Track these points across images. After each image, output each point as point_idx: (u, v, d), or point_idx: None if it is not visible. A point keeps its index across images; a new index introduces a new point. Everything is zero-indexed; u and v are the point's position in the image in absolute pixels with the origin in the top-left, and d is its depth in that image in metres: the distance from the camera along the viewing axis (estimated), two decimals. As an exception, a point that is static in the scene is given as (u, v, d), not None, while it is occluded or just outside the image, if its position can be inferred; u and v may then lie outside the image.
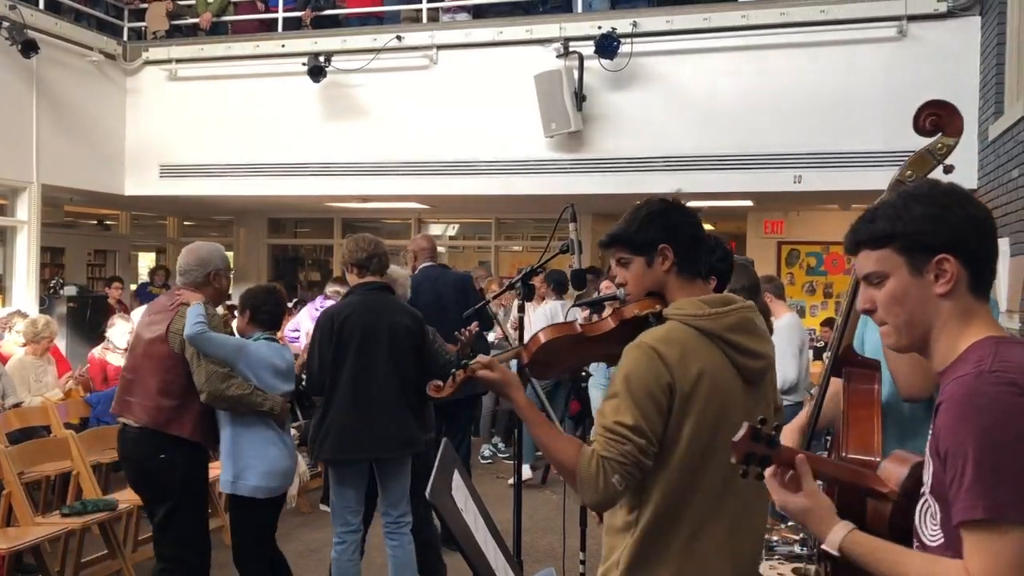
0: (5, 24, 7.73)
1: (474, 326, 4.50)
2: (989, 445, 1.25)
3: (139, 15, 9.58)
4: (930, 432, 1.39)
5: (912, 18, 7.06)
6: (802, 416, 2.37)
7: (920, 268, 1.41)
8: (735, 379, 1.95)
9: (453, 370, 2.12)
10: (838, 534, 1.43)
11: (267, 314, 3.90)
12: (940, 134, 2.10)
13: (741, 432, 1.46)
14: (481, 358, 2.07)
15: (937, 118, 2.09)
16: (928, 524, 1.39)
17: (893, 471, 1.56)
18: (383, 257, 4.14)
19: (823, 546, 1.45)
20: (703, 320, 1.93)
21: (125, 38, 9.50)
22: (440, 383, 2.15)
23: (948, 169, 2.13)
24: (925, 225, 1.41)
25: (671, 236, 2.01)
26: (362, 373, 3.96)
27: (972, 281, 1.41)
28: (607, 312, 2.14)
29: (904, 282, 1.43)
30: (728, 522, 1.93)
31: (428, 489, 1.64)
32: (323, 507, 6.47)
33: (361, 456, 4.02)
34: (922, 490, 1.42)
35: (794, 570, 2.67)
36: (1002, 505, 1.23)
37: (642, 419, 1.85)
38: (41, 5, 8.44)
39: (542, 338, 2.10)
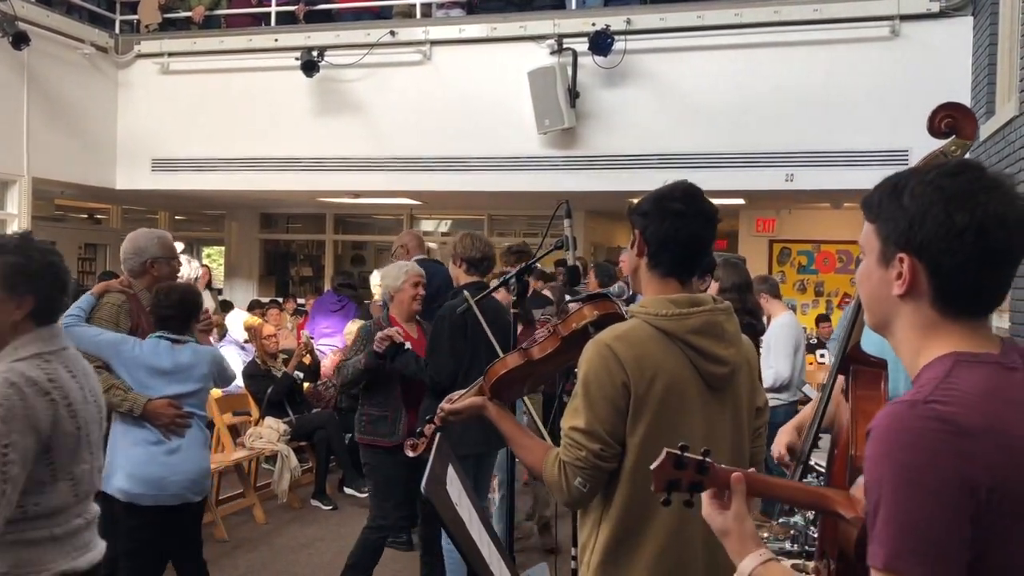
0: (-4, 16, 7.69)
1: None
2: (903, 488, 1.11)
3: (131, 8, 9.52)
4: None
5: (904, 17, 7.09)
6: (804, 413, 2.38)
7: (887, 259, 1.27)
8: (696, 383, 1.90)
9: (420, 428, 2.24)
10: (748, 564, 1.35)
11: (159, 316, 3.70)
12: (954, 136, 2.11)
13: (659, 460, 1.37)
14: (444, 405, 2.20)
15: (952, 120, 2.10)
16: None
17: None
18: (493, 260, 4.26)
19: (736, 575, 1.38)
20: (665, 320, 1.88)
21: (117, 31, 9.44)
22: (415, 442, 2.24)
23: None
24: (901, 218, 1.24)
25: (645, 227, 1.97)
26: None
27: (936, 293, 1.23)
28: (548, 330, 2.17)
29: (871, 266, 1.30)
30: (704, 541, 1.86)
31: (423, 483, 1.65)
32: (314, 502, 6.48)
33: (493, 448, 4.06)
34: None
35: (793, 566, 2.68)
36: (901, 557, 1.11)
37: (596, 422, 1.83)
38: (32, -3, 8.40)
39: (493, 373, 2.16)
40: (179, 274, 4.21)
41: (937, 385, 1.17)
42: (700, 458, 1.37)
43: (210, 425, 6.47)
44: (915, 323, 1.26)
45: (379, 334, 4.17)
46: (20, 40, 7.73)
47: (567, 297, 5.72)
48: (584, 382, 1.86)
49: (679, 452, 1.37)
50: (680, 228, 1.94)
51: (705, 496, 1.41)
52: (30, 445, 1.97)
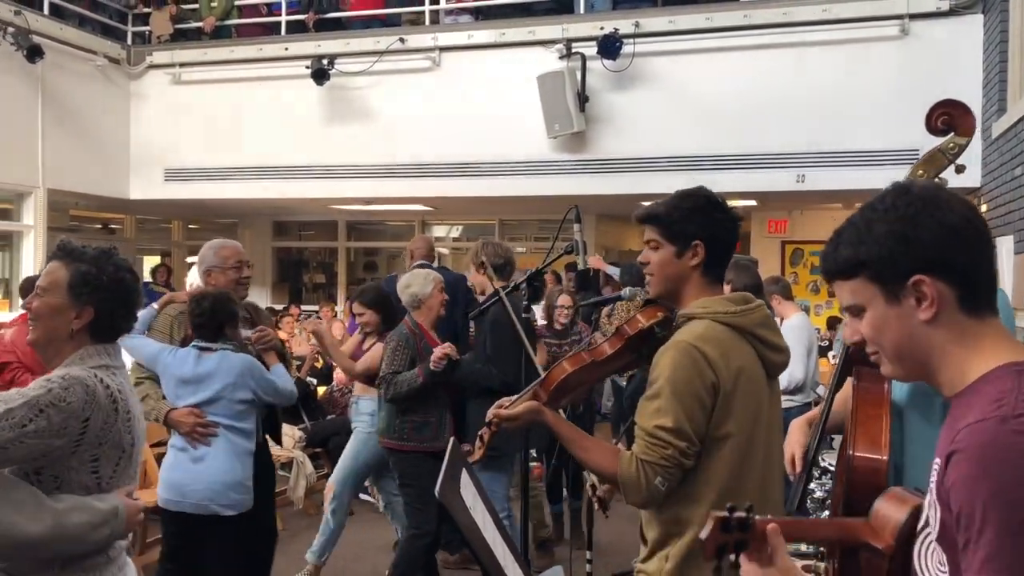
0: (10, 30, 7.76)
1: None
2: (1012, 509, 1.07)
3: (143, 19, 9.61)
4: (933, 473, 1.23)
5: (914, 16, 7.07)
6: (815, 410, 2.38)
7: (897, 295, 1.24)
8: (762, 374, 2.02)
9: (480, 433, 2.20)
10: None
11: (193, 325, 3.67)
12: (952, 133, 2.11)
13: (708, 527, 1.28)
14: (500, 412, 2.13)
15: (949, 117, 2.10)
16: (933, 565, 1.24)
17: (891, 516, 1.37)
18: (514, 264, 4.46)
19: None
20: (736, 317, 1.98)
21: (129, 42, 9.53)
22: (470, 447, 2.22)
23: (960, 169, 2.14)
24: (891, 246, 1.23)
25: (708, 235, 2.02)
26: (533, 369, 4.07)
27: (962, 298, 1.22)
28: (605, 319, 2.17)
29: (882, 312, 1.26)
30: (773, 513, 1.94)
31: (437, 488, 1.66)
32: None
33: (531, 447, 4.24)
34: (926, 529, 1.27)
35: (804, 567, 2.68)
36: None
37: (685, 420, 1.88)
38: (46, 10, 8.48)
39: (558, 375, 2.13)
40: (188, 281, 4.18)
41: (1017, 397, 1.13)
42: (744, 515, 1.29)
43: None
44: (952, 338, 1.23)
45: (437, 353, 4.22)
46: (34, 53, 7.82)
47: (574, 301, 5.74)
48: (671, 381, 1.90)
49: (727, 514, 1.28)
50: (732, 234, 2.08)
51: (744, 560, 1.31)
52: (64, 433, 1.91)
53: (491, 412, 2.16)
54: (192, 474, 3.55)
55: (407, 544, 4.36)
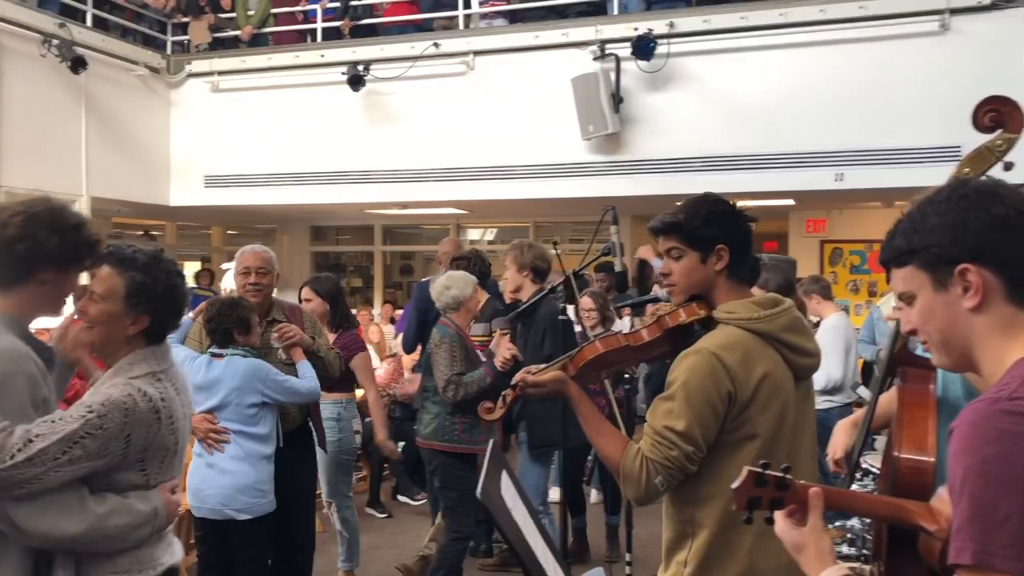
0: (55, 42, 7.94)
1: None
2: (989, 482, 1.11)
3: (182, 29, 9.78)
4: None
5: (955, 11, 6.95)
6: (860, 411, 2.36)
7: (944, 282, 1.27)
8: (790, 377, 2.00)
9: (504, 393, 2.22)
10: None
11: (206, 331, 3.74)
12: (1000, 130, 2.08)
13: (741, 478, 1.37)
14: (527, 377, 2.15)
15: (997, 114, 2.07)
16: None
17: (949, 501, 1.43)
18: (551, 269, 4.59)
19: None
20: (759, 323, 1.97)
21: (169, 52, 9.70)
22: (491, 404, 2.23)
23: (1008, 166, 2.10)
24: (942, 235, 1.27)
25: (730, 238, 2.03)
26: None
27: (1009, 288, 1.24)
28: (649, 318, 2.16)
29: (930, 299, 1.29)
30: None
31: (479, 489, 1.67)
32: (368, 511, 6.52)
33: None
34: None
35: (850, 568, 2.65)
36: (992, 552, 1.10)
37: (696, 426, 1.89)
38: (89, 22, 8.66)
39: (589, 354, 2.15)
40: (223, 287, 4.22)
41: (1021, 383, 1.16)
42: (780, 475, 1.37)
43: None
44: (995, 327, 1.25)
45: (504, 355, 4.24)
46: (78, 64, 7.99)
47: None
48: (685, 386, 1.92)
49: (760, 470, 1.37)
50: (750, 235, 2.08)
51: (778, 512, 1.41)
52: (106, 454, 2.00)
53: (518, 376, 2.17)
54: (207, 479, 3.63)
55: (447, 548, 4.38)
